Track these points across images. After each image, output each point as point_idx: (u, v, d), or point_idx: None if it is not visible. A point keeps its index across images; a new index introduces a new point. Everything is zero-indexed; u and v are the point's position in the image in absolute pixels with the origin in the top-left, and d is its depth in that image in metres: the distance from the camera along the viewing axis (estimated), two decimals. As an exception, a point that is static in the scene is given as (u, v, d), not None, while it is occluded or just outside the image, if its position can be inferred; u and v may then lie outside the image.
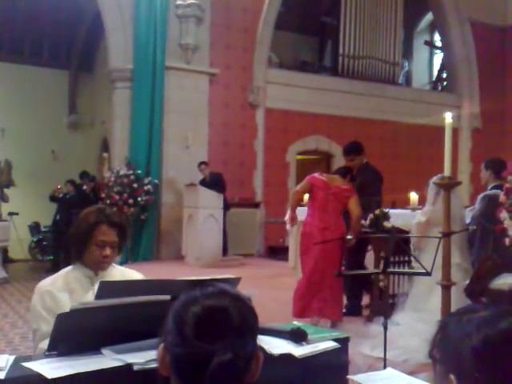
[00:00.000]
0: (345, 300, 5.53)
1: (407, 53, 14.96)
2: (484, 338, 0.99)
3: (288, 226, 7.06)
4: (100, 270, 2.29)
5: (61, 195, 11.15)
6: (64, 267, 2.38)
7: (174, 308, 1.08)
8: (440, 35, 14.65)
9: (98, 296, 1.69)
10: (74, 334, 1.64)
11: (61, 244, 10.91)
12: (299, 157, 12.29)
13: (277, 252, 10.82)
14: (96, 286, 1.87)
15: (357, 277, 5.48)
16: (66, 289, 2.23)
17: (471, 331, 1.01)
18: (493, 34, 13.90)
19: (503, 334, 0.99)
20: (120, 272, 2.38)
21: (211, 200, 9.29)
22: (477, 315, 1.04)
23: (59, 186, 11.30)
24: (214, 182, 9.56)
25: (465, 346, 1.01)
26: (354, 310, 5.56)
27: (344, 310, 5.41)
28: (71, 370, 1.50)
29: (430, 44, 15.70)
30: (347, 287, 5.61)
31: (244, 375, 1.03)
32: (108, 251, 2.24)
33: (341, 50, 12.65)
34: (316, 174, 5.27)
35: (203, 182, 9.65)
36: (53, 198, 11.30)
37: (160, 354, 1.07)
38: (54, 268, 10.65)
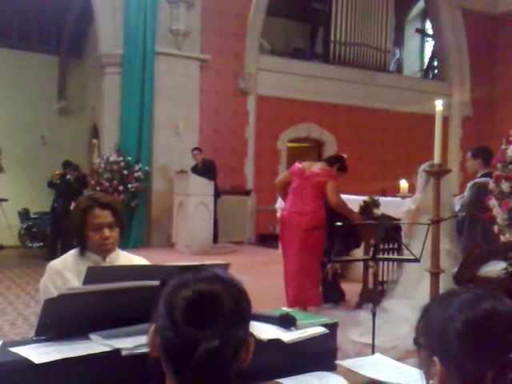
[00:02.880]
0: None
1: (398, 40, 14.94)
2: (466, 319, 1.01)
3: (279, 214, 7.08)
4: (106, 254, 2.30)
5: (58, 181, 10.98)
6: (62, 254, 2.38)
7: (165, 291, 1.07)
8: (431, 23, 14.64)
9: (86, 281, 1.68)
10: (62, 319, 1.63)
11: (58, 231, 10.71)
12: (290, 144, 12.27)
13: (267, 239, 10.84)
14: None
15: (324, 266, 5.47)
16: (75, 270, 2.24)
17: (453, 313, 1.03)
18: (484, 22, 13.90)
19: (484, 315, 1.01)
20: (127, 258, 2.38)
21: (202, 187, 9.27)
22: (458, 298, 1.06)
23: (57, 172, 11.16)
24: (206, 169, 9.53)
25: (448, 329, 1.02)
26: (332, 298, 5.56)
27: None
28: (59, 354, 1.49)
29: (422, 32, 15.68)
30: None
31: (232, 362, 1.02)
32: (107, 232, 2.25)
33: (332, 37, 12.60)
34: (296, 163, 5.29)
35: (195, 169, 9.62)
36: (50, 184, 11.13)
37: (151, 335, 1.07)
38: (51, 255, 10.48)
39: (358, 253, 5.81)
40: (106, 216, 2.26)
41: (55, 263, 2.31)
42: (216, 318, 1.00)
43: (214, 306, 1.02)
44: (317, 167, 5.13)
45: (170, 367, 1.03)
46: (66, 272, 2.24)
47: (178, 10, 10.38)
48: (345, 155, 5.64)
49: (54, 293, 2.07)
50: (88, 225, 2.25)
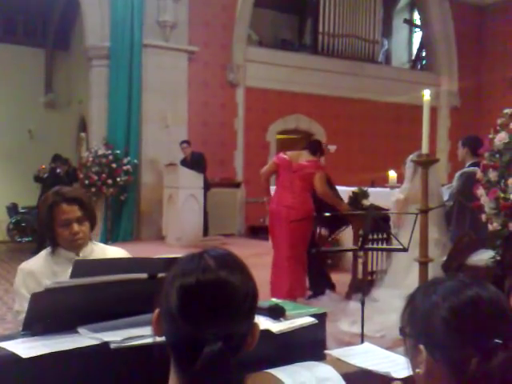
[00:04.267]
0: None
1: (387, 31, 14.93)
2: (450, 306, 1.01)
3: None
4: (79, 250, 2.26)
5: (45, 175, 10.89)
6: None
7: (166, 277, 1.02)
8: (419, 13, 14.65)
9: (73, 275, 1.67)
10: (49, 313, 1.62)
11: None
12: (279, 136, 12.26)
13: (258, 232, 10.84)
14: None
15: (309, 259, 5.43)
16: (48, 270, 2.21)
17: (438, 301, 1.03)
18: (471, 13, 13.93)
19: (469, 302, 1.01)
20: (101, 250, 2.35)
21: (191, 180, 9.25)
22: (442, 285, 1.06)
23: (43, 166, 11.08)
24: (195, 162, 9.50)
25: (433, 316, 1.03)
26: (318, 290, 5.53)
27: (310, 293, 5.43)
28: (46, 349, 1.48)
29: (410, 22, 15.69)
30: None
31: (236, 355, 0.98)
32: (76, 227, 2.21)
33: (320, 28, 12.58)
34: (281, 154, 5.32)
35: (184, 162, 9.58)
36: (37, 178, 11.05)
37: (155, 317, 1.03)
38: (40, 250, 10.38)
39: (348, 243, 5.83)
40: (73, 211, 2.21)
41: (26, 264, 2.28)
42: (219, 315, 0.95)
43: (217, 299, 0.96)
44: (303, 159, 5.15)
45: (171, 356, 1.00)
46: (37, 272, 2.21)
47: (165, 2, 10.29)
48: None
49: (26, 294, 2.05)
50: (56, 221, 2.20)
